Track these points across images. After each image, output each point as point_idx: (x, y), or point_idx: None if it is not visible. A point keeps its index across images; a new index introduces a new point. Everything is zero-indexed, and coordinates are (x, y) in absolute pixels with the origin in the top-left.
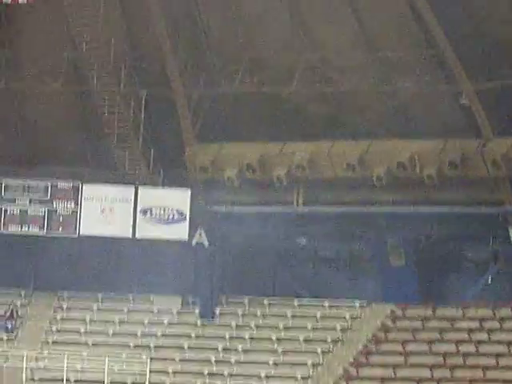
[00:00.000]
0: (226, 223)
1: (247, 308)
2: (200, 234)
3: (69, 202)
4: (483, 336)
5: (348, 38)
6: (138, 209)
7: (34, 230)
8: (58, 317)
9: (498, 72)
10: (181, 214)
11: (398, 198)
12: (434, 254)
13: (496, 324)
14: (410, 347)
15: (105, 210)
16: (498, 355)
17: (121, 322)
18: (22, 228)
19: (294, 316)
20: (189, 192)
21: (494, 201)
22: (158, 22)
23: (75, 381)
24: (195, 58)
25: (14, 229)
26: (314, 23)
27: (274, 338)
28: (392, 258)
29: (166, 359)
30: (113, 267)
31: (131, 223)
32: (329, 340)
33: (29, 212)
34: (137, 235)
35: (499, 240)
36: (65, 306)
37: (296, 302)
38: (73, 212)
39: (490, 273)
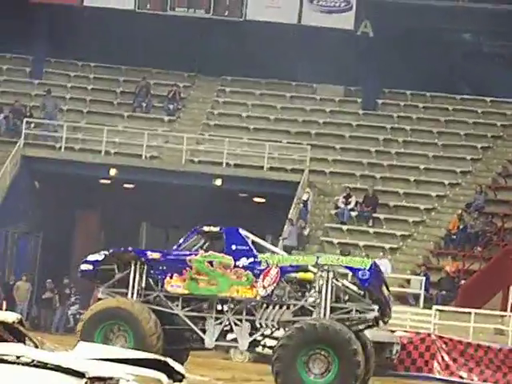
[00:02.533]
0: (392, 14)
1: (409, 100)
2: (365, 25)
3: None
4: None
5: None
6: None
7: (200, 12)
8: (221, 100)
9: None
10: (347, 2)
11: None
12: None
13: None
14: None
15: None
16: None
17: (283, 108)
18: (188, 10)
19: (455, 110)
20: None
21: None
22: None
23: (235, 165)
24: None
25: (180, 10)
26: None
27: (434, 131)
28: None
29: (326, 147)
30: (277, 54)
31: (297, 10)
32: (489, 136)
33: None
34: (302, 21)
35: None
36: (228, 90)
37: (459, 97)
38: None
39: None
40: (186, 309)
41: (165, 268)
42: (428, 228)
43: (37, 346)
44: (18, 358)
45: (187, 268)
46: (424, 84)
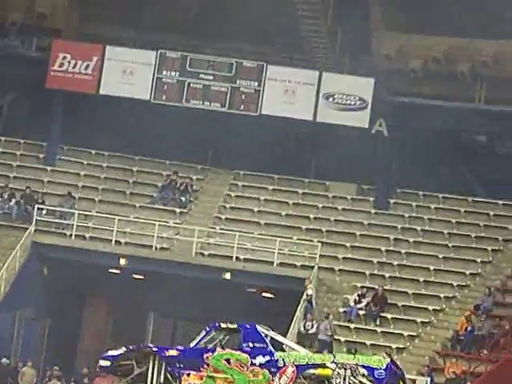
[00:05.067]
0: (406, 114)
1: (421, 201)
2: (380, 124)
3: (252, 81)
4: None
5: None
6: (321, 93)
7: (216, 106)
8: (233, 194)
9: None
10: (363, 101)
11: None
12: None
13: None
14: None
15: (288, 91)
16: None
17: (295, 205)
18: (203, 103)
19: (466, 212)
20: (372, 81)
21: None
22: None
23: (244, 259)
24: None
25: (195, 103)
26: None
27: (445, 232)
28: None
29: (336, 245)
30: (291, 149)
31: (313, 106)
32: (500, 239)
33: (212, 88)
34: (318, 119)
35: None
36: (240, 185)
37: (470, 199)
38: (256, 90)
39: None
40: None
41: (182, 365)
42: (435, 329)
43: None
44: None
45: (204, 366)
46: (436, 185)
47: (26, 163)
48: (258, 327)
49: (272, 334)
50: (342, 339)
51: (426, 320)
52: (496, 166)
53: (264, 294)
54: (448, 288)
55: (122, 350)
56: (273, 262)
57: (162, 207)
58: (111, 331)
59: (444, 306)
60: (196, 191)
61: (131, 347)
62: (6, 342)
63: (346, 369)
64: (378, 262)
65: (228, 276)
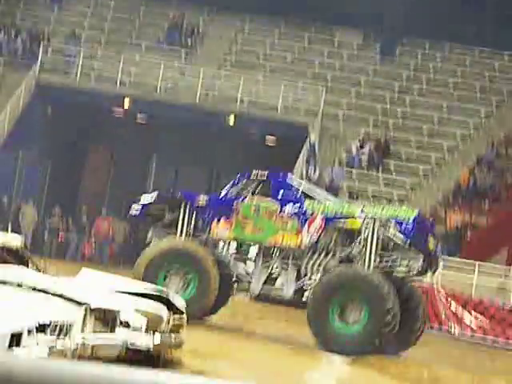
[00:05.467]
0: None
1: (427, 50)
2: None
3: None
4: None
5: None
6: None
7: None
8: (239, 38)
9: None
10: None
11: None
12: None
13: None
14: None
15: None
16: None
17: (300, 50)
18: None
19: (472, 62)
20: None
21: None
22: None
23: (249, 102)
24: None
25: None
26: None
27: (450, 82)
28: None
29: (341, 91)
30: None
31: None
32: (504, 91)
33: None
34: None
35: None
36: (247, 28)
37: (477, 50)
38: None
39: None
40: (234, 253)
41: (212, 212)
42: (437, 179)
43: (39, 271)
44: (20, 281)
45: (234, 213)
46: (443, 34)
47: (33, 1)
48: (289, 176)
49: (303, 184)
50: (344, 185)
51: (429, 170)
52: (505, 18)
53: (266, 140)
54: (451, 138)
55: (154, 196)
56: (277, 108)
57: (168, 48)
58: (113, 175)
59: (447, 157)
60: (202, 34)
61: (163, 194)
62: (8, 182)
63: (375, 221)
64: (382, 108)
65: (231, 121)
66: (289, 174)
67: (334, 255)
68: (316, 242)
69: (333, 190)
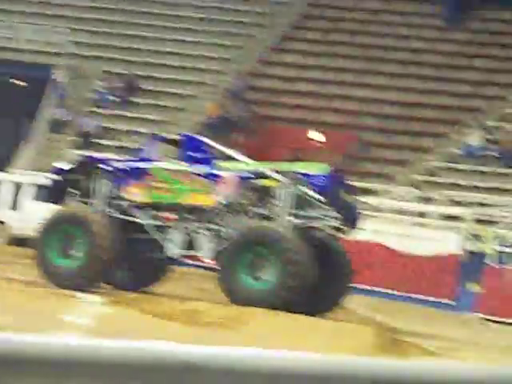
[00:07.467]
0: None
1: None
2: None
3: None
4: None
5: None
6: None
7: None
8: None
9: None
10: None
11: None
12: None
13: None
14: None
15: None
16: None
17: None
18: None
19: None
20: None
21: None
22: None
23: None
24: None
25: None
26: None
27: (195, 16)
28: None
29: (87, 31)
30: None
31: None
32: (252, 23)
33: None
34: None
35: None
36: None
37: None
38: None
39: None
40: (149, 217)
41: (124, 176)
42: (188, 114)
43: None
44: None
45: (146, 176)
46: None
47: None
48: (199, 137)
49: (215, 144)
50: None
51: (179, 106)
52: None
53: (13, 82)
54: (199, 73)
55: (71, 164)
56: (22, 50)
57: None
58: None
59: (196, 92)
60: None
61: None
62: None
63: (289, 177)
64: (129, 47)
65: None
66: (199, 136)
67: (250, 215)
68: (231, 203)
69: (85, 137)
